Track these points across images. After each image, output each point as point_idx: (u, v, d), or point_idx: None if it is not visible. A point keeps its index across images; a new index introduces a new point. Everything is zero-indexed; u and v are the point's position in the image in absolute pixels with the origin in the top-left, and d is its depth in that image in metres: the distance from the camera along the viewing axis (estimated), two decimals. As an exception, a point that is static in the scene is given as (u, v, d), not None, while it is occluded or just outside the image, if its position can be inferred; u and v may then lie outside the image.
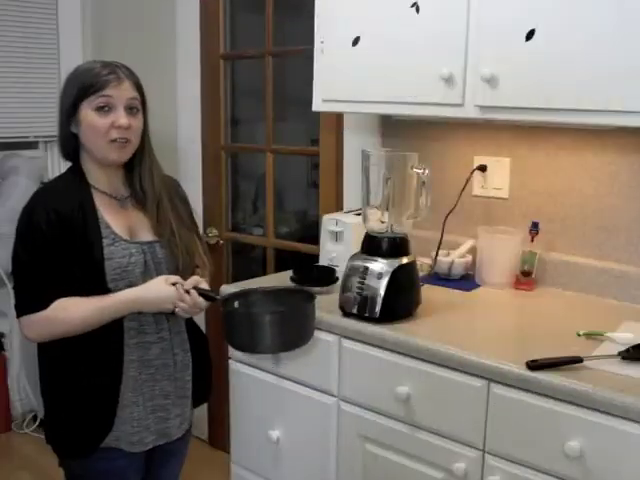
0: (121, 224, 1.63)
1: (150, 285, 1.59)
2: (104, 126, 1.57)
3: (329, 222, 2.24)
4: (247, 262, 3.32)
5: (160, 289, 1.58)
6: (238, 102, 3.18)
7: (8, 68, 3.20)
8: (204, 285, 1.64)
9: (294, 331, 1.57)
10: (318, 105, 2.13)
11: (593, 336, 1.65)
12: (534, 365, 1.48)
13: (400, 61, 1.90)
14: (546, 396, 1.46)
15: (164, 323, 1.67)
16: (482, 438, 1.58)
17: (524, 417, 1.50)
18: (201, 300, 1.60)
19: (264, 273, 2.89)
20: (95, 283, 1.57)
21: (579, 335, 1.67)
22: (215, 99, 3.00)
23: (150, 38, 3.14)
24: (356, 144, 2.41)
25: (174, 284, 1.58)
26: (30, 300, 1.57)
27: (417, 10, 1.86)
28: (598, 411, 1.40)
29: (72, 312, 1.56)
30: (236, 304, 1.64)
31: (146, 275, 1.62)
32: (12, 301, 1.64)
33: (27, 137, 3.38)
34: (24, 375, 3.41)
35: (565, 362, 1.48)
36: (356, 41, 1.99)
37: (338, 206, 2.55)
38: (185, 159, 3.09)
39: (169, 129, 3.10)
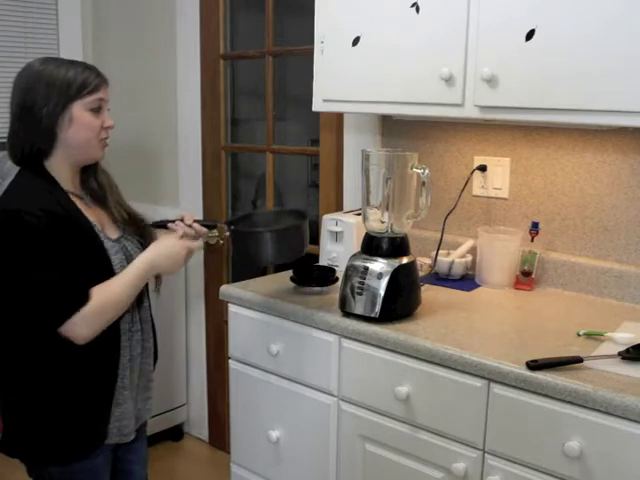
0: (97, 223, 1.64)
1: (156, 246, 1.64)
2: (98, 126, 1.60)
3: (329, 222, 2.24)
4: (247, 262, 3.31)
5: (170, 244, 1.64)
6: (238, 102, 3.18)
7: (8, 68, 3.20)
8: (196, 218, 1.76)
9: (289, 245, 1.79)
10: (318, 105, 2.13)
11: (593, 336, 1.65)
12: (534, 365, 1.48)
13: (400, 61, 1.90)
14: (546, 396, 1.46)
15: (136, 315, 1.70)
16: (482, 438, 1.58)
17: (524, 417, 1.50)
18: (205, 230, 1.72)
19: (264, 273, 2.89)
20: (103, 279, 1.58)
21: (579, 335, 1.67)
22: (215, 99, 3.00)
23: (150, 38, 3.14)
24: (356, 144, 2.41)
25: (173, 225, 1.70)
26: (69, 300, 1.50)
27: (417, 10, 1.86)
28: (598, 411, 1.40)
29: (115, 293, 1.55)
30: (240, 226, 1.85)
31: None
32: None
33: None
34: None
35: (565, 362, 1.48)
36: (356, 41, 1.99)
37: (338, 206, 2.55)
38: (185, 159, 3.09)
39: (169, 129, 3.10)
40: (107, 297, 1.54)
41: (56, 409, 1.60)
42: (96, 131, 1.60)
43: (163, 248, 1.64)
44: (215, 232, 2.99)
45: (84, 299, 1.51)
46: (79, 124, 1.57)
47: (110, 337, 1.61)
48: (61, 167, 1.60)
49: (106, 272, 1.58)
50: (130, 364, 1.67)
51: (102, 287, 1.55)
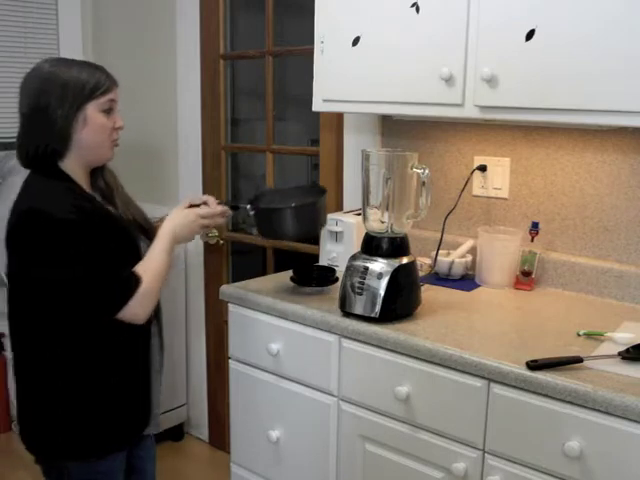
0: None
1: (172, 217, 1.71)
2: (110, 127, 1.62)
3: (329, 222, 2.24)
4: (247, 262, 3.32)
5: (184, 214, 1.72)
6: (238, 102, 3.19)
7: (8, 68, 3.20)
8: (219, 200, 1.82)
9: (311, 219, 1.87)
10: (318, 105, 2.13)
11: (593, 336, 1.65)
12: (534, 365, 1.48)
13: (400, 61, 1.90)
14: (546, 396, 1.46)
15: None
16: (482, 438, 1.58)
17: (524, 417, 1.50)
18: (221, 207, 1.78)
19: (264, 273, 2.89)
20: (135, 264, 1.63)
21: (579, 335, 1.67)
22: (215, 99, 3.00)
23: (150, 38, 3.14)
24: (356, 144, 2.42)
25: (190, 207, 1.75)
26: (124, 285, 1.55)
27: (417, 10, 1.86)
28: (598, 411, 1.40)
29: (156, 268, 1.61)
30: (262, 203, 1.91)
31: None
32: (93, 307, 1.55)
33: (27, 137, 3.37)
34: (24, 375, 3.41)
35: (565, 362, 1.48)
36: (356, 41, 1.99)
37: (338, 206, 2.55)
38: (185, 159, 3.09)
39: (169, 129, 3.10)
40: (152, 273, 1.60)
41: (100, 400, 1.62)
42: (108, 132, 1.62)
43: (179, 219, 1.71)
44: (215, 232, 3.01)
45: (136, 281, 1.56)
46: (93, 125, 1.59)
47: (138, 329, 1.64)
48: (74, 168, 1.62)
49: (136, 258, 1.63)
50: (160, 354, 1.76)
51: (142, 266, 1.61)
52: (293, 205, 1.83)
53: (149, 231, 1.75)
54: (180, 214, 1.73)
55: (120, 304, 1.55)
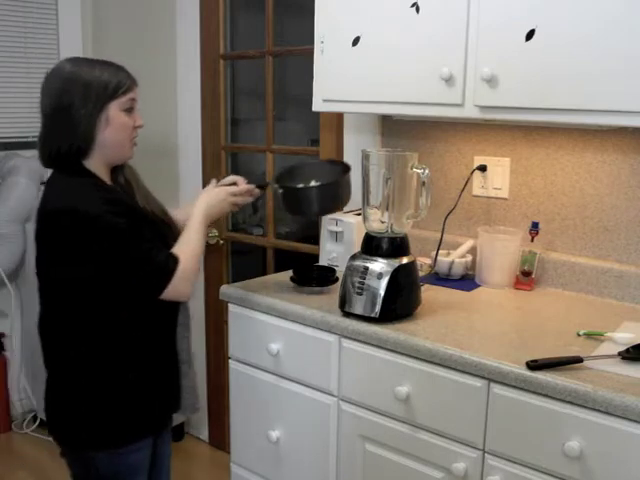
0: None
1: (203, 197, 1.77)
2: (131, 126, 1.65)
3: (329, 222, 2.24)
4: (247, 262, 3.32)
5: (214, 193, 1.79)
6: (238, 102, 3.19)
7: (8, 68, 3.20)
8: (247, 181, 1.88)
9: (336, 197, 1.90)
10: (318, 105, 2.13)
11: (593, 336, 1.65)
12: (534, 365, 1.48)
13: (400, 61, 1.90)
14: (546, 396, 1.46)
15: None
16: (482, 438, 1.58)
17: (524, 417, 1.50)
18: (251, 185, 1.84)
19: (264, 273, 2.90)
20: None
21: (579, 335, 1.67)
22: (215, 99, 3.00)
23: (150, 38, 3.14)
24: (356, 144, 2.42)
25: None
26: (162, 265, 1.59)
27: (417, 10, 1.86)
28: (598, 411, 1.40)
29: (194, 247, 1.66)
30: (287, 181, 1.94)
31: None
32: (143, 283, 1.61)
33: (27, 137, 3.38)
34: (24, 375, 3.41)
35: (565, 362, 1.48)
36: (356, 41, 1.99)
37: (338, 206, 2.54)
38: (185, 159, 3.09)
39: (169, 129, 3.10)
40: (189, 254, 1.65)
41: (127, 389, 1.64)
42: (129, 131, 1.65)
43: (210, 198, 1.78)
44: (215, 232, 3.01)
45: (176, 261, 1.60)
46: (115, 124, 1.61)
47: (171, 311, 1.72)
48: (97, 166, 1.64)
49: (165, 246, 1.66)
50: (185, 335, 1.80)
51: (178, 247, 1.66)
52: (319, 184, 1.88)
53: (169, 224, 1.77)
54: (211, 193, 1.79)
55: (163, 285, 1.60)
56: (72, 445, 1.68)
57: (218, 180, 1.89)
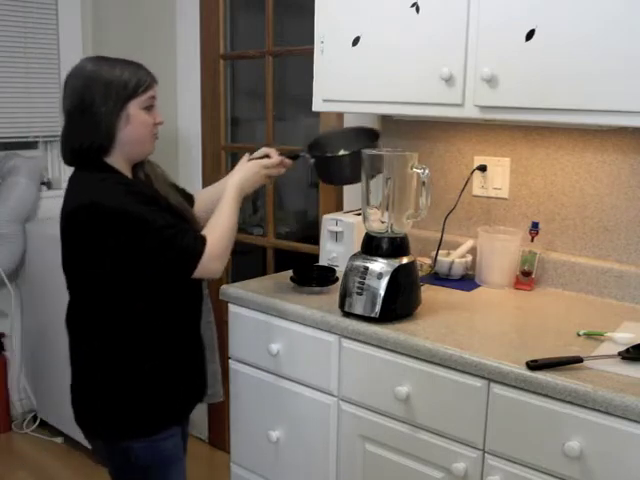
0: None
1: (238, 170, 1.80)
2: (151, 124, 1.67)
3: (329, 222, 2.24)
4: (247, 262, 3.32)
5: (247, 167, 1.81)
6: (238, 102, 3.18)
7: (8, 68, 3.20)
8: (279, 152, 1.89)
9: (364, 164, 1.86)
10: (318, 105, 2.13)
11: (593, 336, 1.65)
12: (534, 365, 1.48)
13: (400, 61, 1.90)
14: (546, 396, 1.46)
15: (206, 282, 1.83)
16: (482, 438, 1.58)
17: (524, 417, 1.50)
18: (283, 157, 1.85)
19: (264, 273, 2.90)
20: None
21: (579, 335, 1.67)
22: (215, 99, 3.00)
23: (150, 38, 3.14)
24: (356, 144, 2.41)
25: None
26: (192, 244, 1.60)
27: (417, 10, 1.86)
28: (598, 411, 1.40)
29: (225, 226, 1.68)
30: (319, 150, 1.96)
31: None
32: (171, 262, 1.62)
33: (27, 137, 3.38)
34: (24, 375, 3.42)
35: (565, 362, 1.48)
36: (356, 41, 1.99)
37: (338, 206, 2.55)
38: (185, 159, 3.09)
39: (169, 129, 3.09)
40: (220, 230, 1.67)
41: (157, 377, 1.66)
42: (149, 128, 1.67)
43: (244, 172, 1.79)
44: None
45: (203, 241, 1.62)
46: (135, 122, 1.63)
47: (195, 299, 1.75)
48: (119, 162, 1.66)
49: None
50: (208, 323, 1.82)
51: (211, 224, 1.68)
52: (349, 152, 1.88)
53: (188, 216, 1.77)
54: (244, 167, 1.81)
55: (193, 266, 1.61)
56: (109, 437, 1.69)
57: (251, 154, 1.89)
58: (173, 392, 1.70)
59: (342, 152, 1.93)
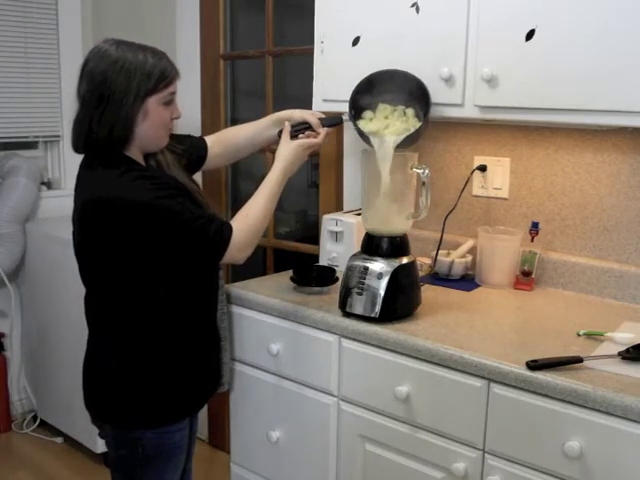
0: None
1: (284, 152, 1.75)
2: (168, 119, 1.64)
3: (329, 222, 2.24)
4: (247, 262, 3.31)
5: (293, 150, 1.75)
6: (238, 102, 3.18)
7: (8, 68, 3.21)
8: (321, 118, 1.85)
9: None
10: (318, 105, 2.13)
11: (593, 336, 1.66)
12: (534, 365, 1.48)
13: (400, 61, 1.90)
14: (546, 396, 1.46)
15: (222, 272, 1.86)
16: (482, 438, 1.58)
17: (524, 417, 1.50)
18: (324, 130, 1.81)
19: (264, 273, 2.90)
20: None
21: (579, 335, 1.67)
22: (215, 99, 3.00)
23: (150, 38, 3.12)
24: (356, 144, 2.41)
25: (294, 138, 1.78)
26: (219, 232, 1.60)
27: (417, 10, 1.86)
28: (598, 411, 1.40)
29: (256, 212, 1.67)
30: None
31: None
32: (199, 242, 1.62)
33: (27, 137, 3.38)
34: (24, 375, 3.42)
35: (565, 362, 1.48)
36: (356, 41, 1.99)
37: (338, 206, 2.55)
38: (185, 159, 3.08)
39: (169, 129, 3.10)
40: (251, 218, 1.66)
41: (171, 368, 1.67)
42: (166, 123, 1.64)
43: (287, 155, 1.75)
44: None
45: (230, 230, 1.62)
46: (152, 118, 1.59)
47: (212, 289, 1.78)
48: (134, 153, 1.64)
49: None
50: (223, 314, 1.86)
51: (243, 210, 1.69)
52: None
53: (201, 200, 1.75)
54: (289, 151, 1.75)
55: (220, 254, 1.62)
56: (120, 424, 1.67)
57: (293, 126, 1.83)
58: (190, 382, 1.71)
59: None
